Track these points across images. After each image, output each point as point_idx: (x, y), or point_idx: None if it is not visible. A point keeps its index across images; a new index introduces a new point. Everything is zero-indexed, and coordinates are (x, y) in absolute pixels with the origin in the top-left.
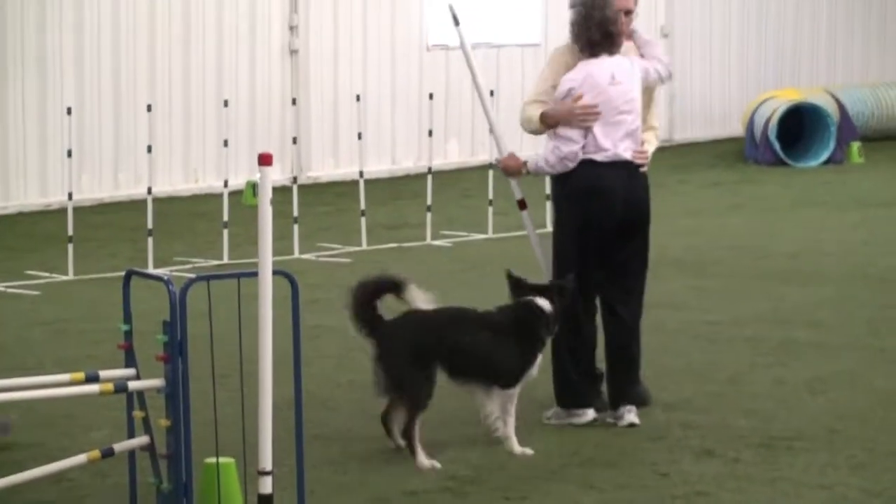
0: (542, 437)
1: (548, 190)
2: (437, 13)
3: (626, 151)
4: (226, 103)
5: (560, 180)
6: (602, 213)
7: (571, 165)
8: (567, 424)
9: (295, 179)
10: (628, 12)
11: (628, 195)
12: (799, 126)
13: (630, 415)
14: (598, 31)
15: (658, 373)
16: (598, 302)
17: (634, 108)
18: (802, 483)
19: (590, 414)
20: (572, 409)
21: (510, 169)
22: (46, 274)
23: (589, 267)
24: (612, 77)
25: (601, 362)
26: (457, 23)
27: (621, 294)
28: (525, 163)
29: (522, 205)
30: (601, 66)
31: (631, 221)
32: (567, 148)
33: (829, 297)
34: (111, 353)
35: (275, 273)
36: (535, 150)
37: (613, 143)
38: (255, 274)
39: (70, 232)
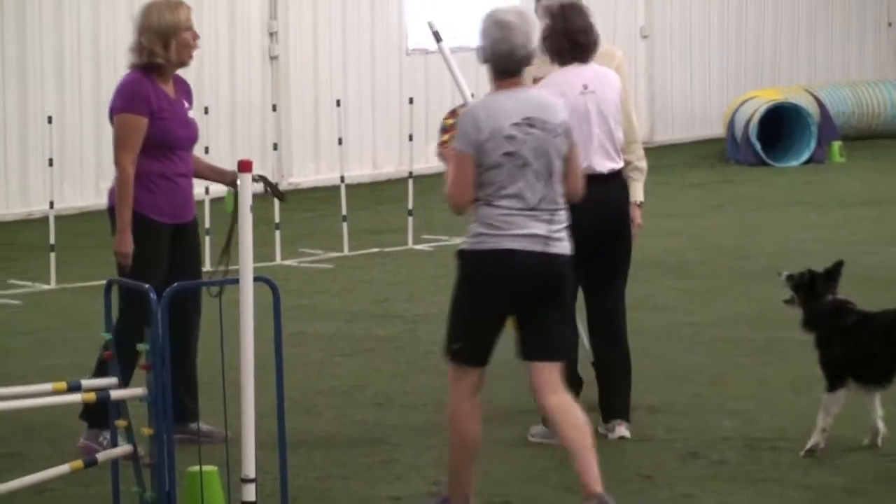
0: (523, 440)
1: None
2: (415, 18)
3: (600, 164)
4: (206, 110)
5: None
6: (575, 228)
7: None
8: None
9: (276, 185)
10: None
11: (601, 208)
12: (780, 126)
13: (621, 428)
14: (565, 41)
15: (640, 375)
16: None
17: (610, 118)
18: (787, 483)
19: None
20: None
21: None
22: (28, 283)
23: None
24: (584, 87)
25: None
26: (438, 40)
27: (603, 308)
28: None
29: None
30: (572, 75)
31: (609, 232)
32: None
33: None
34: (93, 362)
35: (256, 280)
36: None
37: (586, 156)
38: (237, 281)
39: (52, 241)
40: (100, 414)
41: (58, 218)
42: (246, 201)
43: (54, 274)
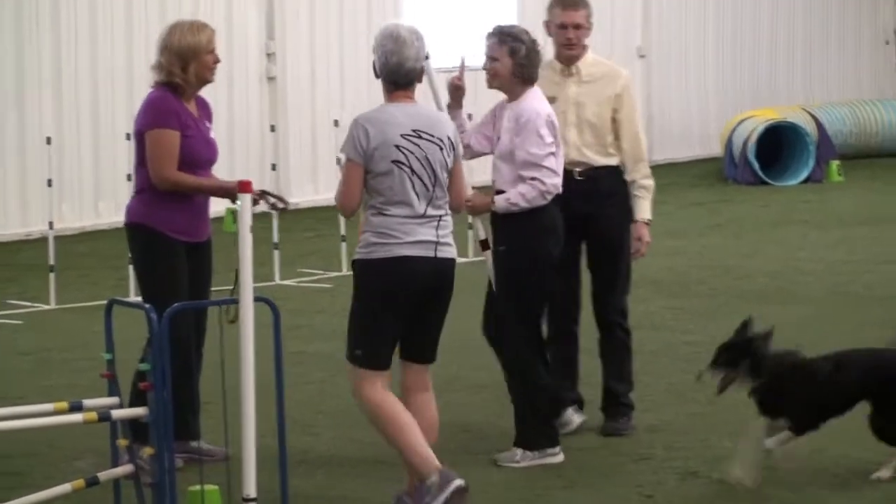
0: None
1: None
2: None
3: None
4: None
5: (518, 219)
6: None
7: (548, 199)
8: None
9: (274, 206)
10: (577, 27)
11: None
12: (778, 145)
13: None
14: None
15: (640, 394)
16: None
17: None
18: (783, 500)
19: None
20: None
21: (479, 208)
22: (28, 303)
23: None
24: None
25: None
26: (426, 57)
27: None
28: (493, 200)
29: (485, 245)
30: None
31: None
32: (551, 181)
33: (810, 316)
34: (94, 381)
35: (256, 300)
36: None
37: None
38: (237, 301)
39: (52, 261)
40: (142, 431)
41: (57, 238)
42: (246, 221)
43: (54, 294)
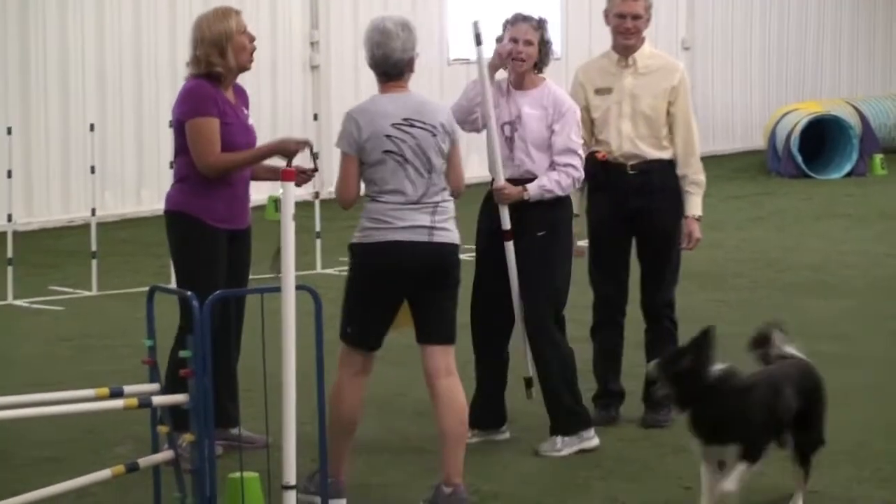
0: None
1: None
2: (457, 28)
3: None
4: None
5: (553, 205)
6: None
7: (576, 187)
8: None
9: (317, 194)
10: (636, 17)
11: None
12: (821, 138)
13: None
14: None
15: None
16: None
17: None
18: (827, 496)
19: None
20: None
21: (512, 196)
22: (70, 290)
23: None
24: None
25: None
26: (478, 43)
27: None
28: (525, 188)
29: (510, 235)
30: None
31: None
32: (582, 169)
33: (853, 310)
34: (135, 368)
35: (298, 288)
36: None
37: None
38: (279, 289)
39: (93, 248)
40: (181, 418)
41: (99, 225)
42: (288, 210)
43: (95, 281)
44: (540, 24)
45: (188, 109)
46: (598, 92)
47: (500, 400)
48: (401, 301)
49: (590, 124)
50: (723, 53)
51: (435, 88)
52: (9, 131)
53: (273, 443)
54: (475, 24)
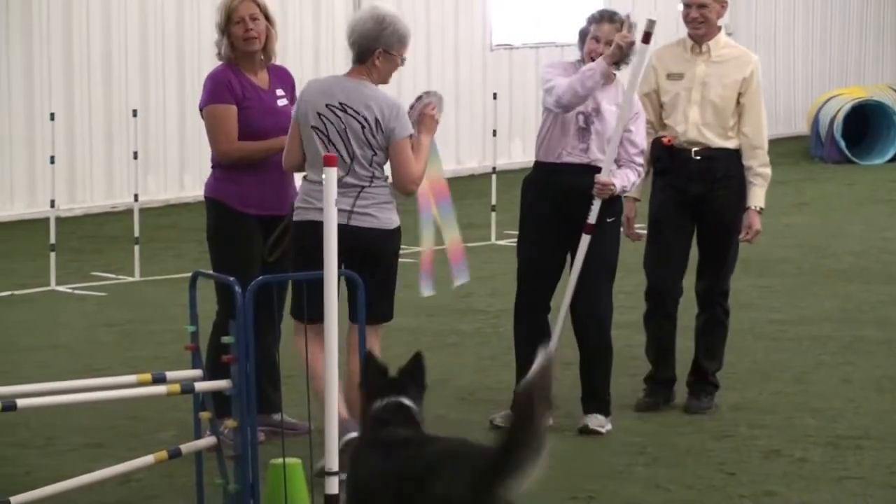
0: (607, 436)
1: None
2: (500, 13)
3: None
4: None
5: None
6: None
7: None
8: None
9: None
10: (701, 6)
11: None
12: (864, 124)
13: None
14: None
15: (724, 372)
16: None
17: None
18: (870, 482)
19: None
20: None
21: (611, 192)
22: (113, 275)
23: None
24: None
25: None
26: (646, 41)
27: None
28: (613, 184)
29: (590, 229)
30: None
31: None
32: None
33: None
34: (178, 354)
35: (340, 274)
36: None
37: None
38: (321, 275)
39: (136, 233)
40: (223, 403)
41: (142, 210)
42: (331, 196)
43: (138, 266)
44: (622, 27)
45: (205, 97)
46: (670, 76)
47: None
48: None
49: (658, 108)
50: (766, 39)
51: (477, 74)
52: (52, 117)
53: (315, 428)
54: (650, 22)
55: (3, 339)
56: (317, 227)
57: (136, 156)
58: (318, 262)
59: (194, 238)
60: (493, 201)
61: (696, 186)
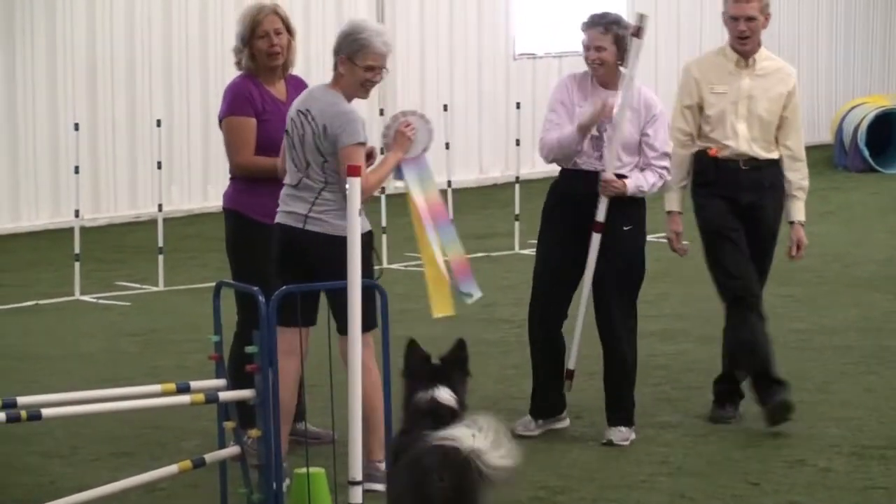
0: (631, 446)
1: None
2: (523, 22)
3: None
4: None
5: (638, 202)
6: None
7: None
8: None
9: (383, 190)
10: (749, 19)
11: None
12: (888, 132)
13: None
14: None
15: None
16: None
17: None
18: (895, 492)
19: None
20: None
21: (618, 189)
22: (137, 285)
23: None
24: None
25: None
26: (639, 35)
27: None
28: (625, 185)
29: (600, 227)
30: None
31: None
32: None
33: None
34: (202, 363)
35: (363, 284)
36: None
37: None
38: (344, 285)
39: (160, 243)
40: (246, 412)
41: (166, 220)
42: (354, 205)
43: (162, 276)
44: (608, 28)
45: (224, 108)
46: (714, 91)
47: (559, 386)
48: (299, 281)
49: (698, 120)
50: (790, 47)
51: (500, 84)
52: (76, 127)
53: (339, 438)
54: (641, 17)
55: (27, 349)
56: (282, 230)
57: (159, 166)
58: (292, 267)
59: (218, 248)
60: (517, 210)
61: (747, 195)
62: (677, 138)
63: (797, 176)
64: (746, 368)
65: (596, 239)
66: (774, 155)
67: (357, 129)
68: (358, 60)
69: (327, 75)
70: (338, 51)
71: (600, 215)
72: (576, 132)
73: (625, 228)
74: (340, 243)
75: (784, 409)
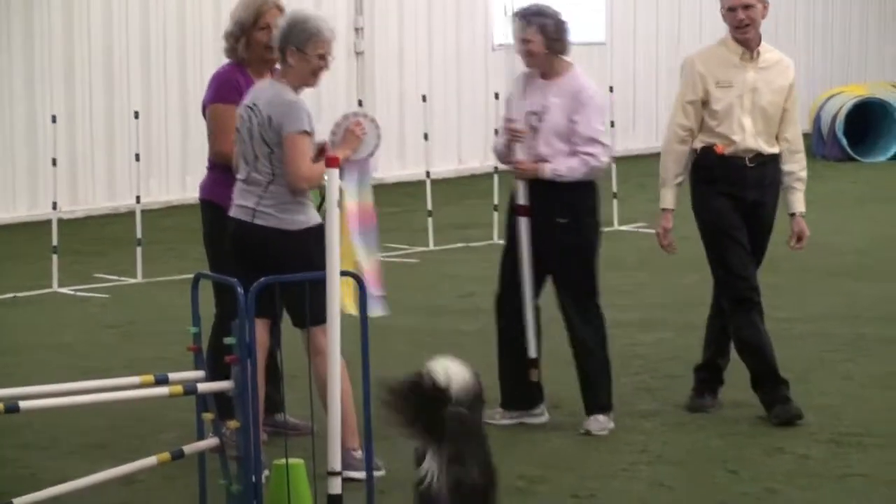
0: (610, 435)
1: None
2: (501, 13)
3: None
4: None
5: (579, 192)
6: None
7: (593, 174)
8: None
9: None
10: (746, 7)
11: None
12: (866, 121)
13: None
14: None
15: (728, 370)
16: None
17: None
18: (873, 479)
19: None
20: None
21: (527, 172)
22: (115, 277)
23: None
24: None
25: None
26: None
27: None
28: (540, 168)
29: (523, 211)
30: None
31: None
32: (605, 157)
33: None
34: (180, 355)
35: (342, 274)
36: None
37: None
38: (323, 277)
39: (138, 235)
40: (225, 403)
41: (144, 212)
42: (333, 197)
43: (140, 268)
44: (529, 21)
45: (210, 94)
46: (720, 84)
47: (523, 378)
48: (253, 276)
49: (701, 115)
50: (767, 37)
51: (479, 74)
52: (53, 119)
53: (318, 429)
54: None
55: (5, 342)
56: (235, 224)
57: (137, 157)
58: (245, 260)
59: (196, 239)
60: (496, 201)
61: (752, 193)
62: (677, 133)
63: (796, 167)
64: (751, 368)
65: (522, 223)
66: (776, 149)
67: (301, 117)
68: (309, 50)
69: None
70: (285, 43)
71: (521, 198)
72: (501, 146)
73: (559, 220)
74: (288, 237)
75: (794, 417)
